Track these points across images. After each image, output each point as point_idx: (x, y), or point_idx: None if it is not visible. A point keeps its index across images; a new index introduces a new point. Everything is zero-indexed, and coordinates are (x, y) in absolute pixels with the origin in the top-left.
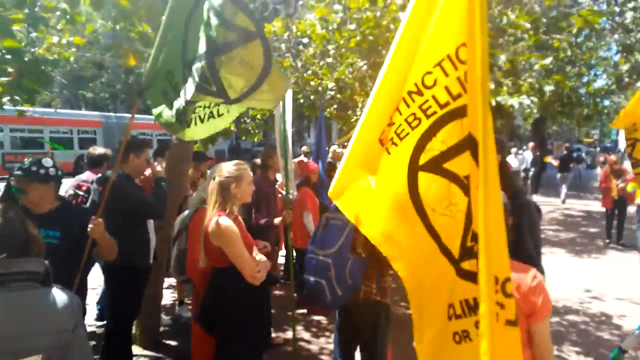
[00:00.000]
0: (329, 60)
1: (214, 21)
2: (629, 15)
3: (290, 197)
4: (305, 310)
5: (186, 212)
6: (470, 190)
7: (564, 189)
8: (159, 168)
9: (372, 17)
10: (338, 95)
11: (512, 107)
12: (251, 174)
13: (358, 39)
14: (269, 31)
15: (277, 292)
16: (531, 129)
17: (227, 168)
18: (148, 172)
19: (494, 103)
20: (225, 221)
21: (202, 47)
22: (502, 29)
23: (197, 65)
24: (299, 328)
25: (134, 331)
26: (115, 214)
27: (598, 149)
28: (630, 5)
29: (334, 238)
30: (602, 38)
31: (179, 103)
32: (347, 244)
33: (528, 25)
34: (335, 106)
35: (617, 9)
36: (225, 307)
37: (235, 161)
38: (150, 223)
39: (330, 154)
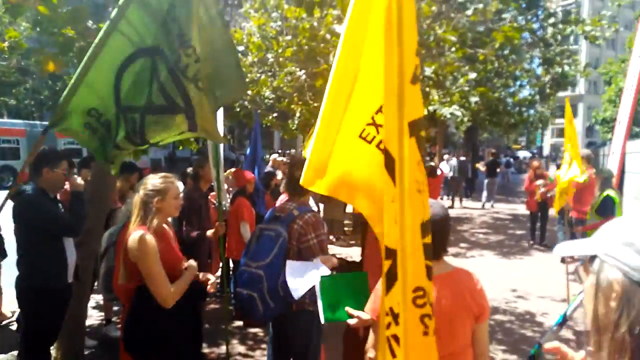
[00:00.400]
0: (266, 68)
1: (155, 83)
2: (549, 30)
3: (224, 208)
4: (241, 323)
5: (114, 227)
6: (385, 205)
7: (484, 194)
8: (79, 181)
9: (309, 27)
10: (279, 104)
11: (444, 116)
12: (179, 187)
13: (295, 49)
14: None
15: (213, 306)
16: (463, 137)
17: (152, 181)
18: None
19: (425, 112)
20: (143, 237)
21: (139, 101)
22: (428, 43)
23: (132, 116)
24: (235, 342)
25: (54, 354)
26: (27, 231)
27: (531, 154)
28: (550, 21)
29: (266, 249)
30: (521, 52)
31: (108, 140)
32: (280, 255)
33: (454, 39)
34: (275, 114)
35: (536, 25)
36: (146, 327)
37: (162, 174)
38: (70, 239)
39: (270, 162)
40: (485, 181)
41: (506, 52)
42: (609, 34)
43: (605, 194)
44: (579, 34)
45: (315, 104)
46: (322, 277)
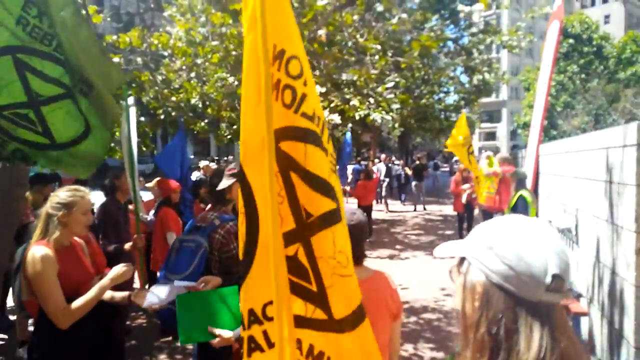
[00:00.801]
0: (192, 74)
1: (30, 74)
2: (470, 40)
3: (148, 219)
4: (170, 338)
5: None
6: (239, 218)
7: (402, 197)
8: None
9: (236, 33)
10: (209, 111)
11: (375, 121)
12: (89, 201)
13: (222, 55)
14: (124, 42)
15: (140, 321)
16: (397, 142)
17: (61, 194)
18: None
19: (357, 117)
20: (39, 252)
21: (19, 97)
22: (348, 51)
23: (20, 111)
24: (163, 356)
25: None
26: None
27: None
28: (471, 31)
29: (186, 261)
30: (438, 61)
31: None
32: (200, 267)
33: (379, 47)
34: (206, 120)
35: (454, 35)
36: (51, 346)
37: (74, 187)
38: None
39: (202, 170)
40: (413, 184)
41: (431, 60)
42: (525, 43)
43: (519, 194)
44: (497, 43)
45: None
46: (178, 295)
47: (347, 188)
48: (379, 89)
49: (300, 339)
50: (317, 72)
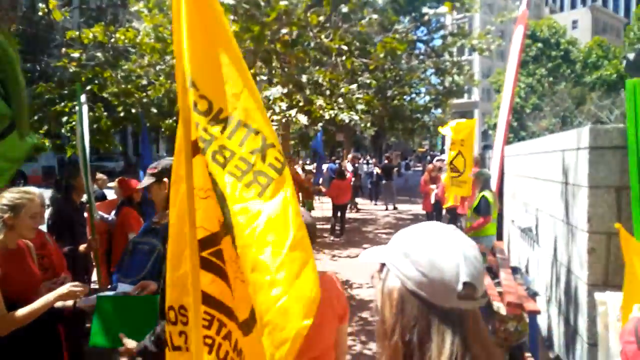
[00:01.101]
0: (159, 70)
1: None
2: (440, 42)
3: (109, 219)
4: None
5: None
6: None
7: (374, 196)
8: None
9: None
10: (175, 108)
11: (343, 121)
12: (39, 204)
13: None
14: (87, 37)
15: None
16: (370, 142)
17: (8, 195)
18: None
19: (327, 117)
20: None
21: None
22: (310, 51)
23: None
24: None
25: None
26: None
27: (428, 157)
28: (441, 33)
29: (140, 264)
30: (408, 62)
31: None
32: (154, 270)
33: (345, 48)
34: (174, 118)
35: (425, 37)
36: None
37: (24, 188)
38: None
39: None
40: (383, 183)
41: (401, 62)
42: (494, 46)
43: (481, 195)
44: (468, 46)
45: None
46: (98, 296)
47: (322, 188)
48: (343, 90)
49: (231, 330)
50: (280, 72)
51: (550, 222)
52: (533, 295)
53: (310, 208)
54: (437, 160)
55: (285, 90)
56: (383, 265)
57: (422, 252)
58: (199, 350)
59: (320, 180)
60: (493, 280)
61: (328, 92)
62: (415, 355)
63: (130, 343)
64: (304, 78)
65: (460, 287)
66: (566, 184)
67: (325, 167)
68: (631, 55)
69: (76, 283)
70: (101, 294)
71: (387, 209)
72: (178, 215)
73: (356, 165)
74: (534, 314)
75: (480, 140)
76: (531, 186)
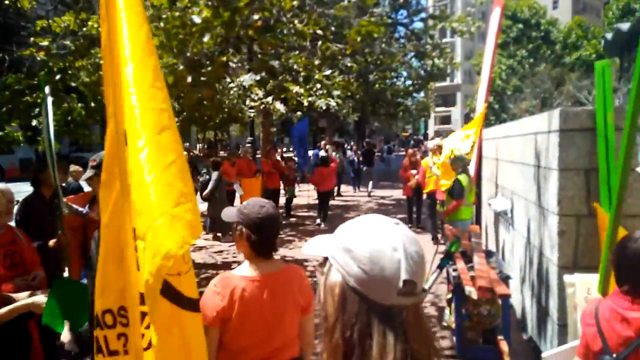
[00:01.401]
0: None
1: None
2: (419, 25)
3: (83, 212)
4: None
5: None
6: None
7: (370, 183)
8: None
9: (178, 16)
10: None
11: (320, 107)
12: (5, 201)
13: (161, 40)
14: (59, 26)
15: None
16: (353, 127)
17: None
18: None
19: (306, 103)
20: None
21: None
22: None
23: None
24: None
25: None
26: None
27: (412, 141)
28: (421, 15)
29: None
30: (374, 45)
31: None
32: None
33: (321, 33)
34: None
35: (405, 20)
36: None
37: None
38: None
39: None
40: (364, 169)
41: (379, 45)
42: (474, 28)
43: (456, 177)
44: (448, 29)
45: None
46: (54, 279)
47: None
48: (317, 76)
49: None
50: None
51: (524, 205)
52: (505, 278)
53: (292, 195)
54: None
55: (258, 77)
56: (326, 258)
57: (363, 248)
58: (138, 350)
59: (306, 167)
60: (467, 265)
61: (302, 79)
62: (355, 353)
63: (65, 332)
64: (277, 64)
65: (400, 284)
66: (538, 167)
67: (310, 153)
68: (609, 35)
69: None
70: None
71: (369, 195)
72: (112, 216)
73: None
74: (505, 297)
75: (462, 123)
76: (507, 169)
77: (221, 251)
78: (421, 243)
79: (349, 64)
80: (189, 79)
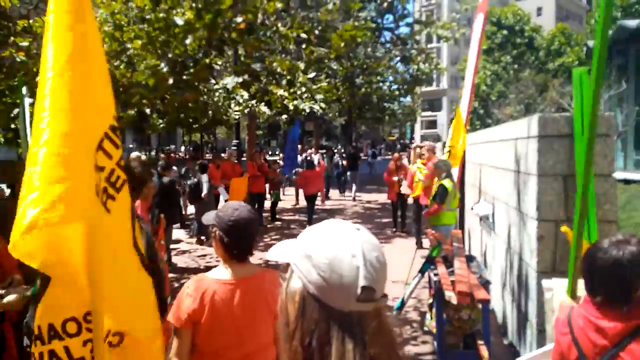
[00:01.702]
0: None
1: None
2: (405, 30)
3: None
4: None
5: None
6: None
7: (354, 187)
8: None
9: (162, 18)
10: (133, 100)
11: (304, 110)
12: None
13: (143, 41)
14: (40, 26)
15: None
16: (339, 131)
17: None
18: None
19: (291, 107)
20: None
21: None
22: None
23: None
24: None
25: None
26: None
27: (398, 145)
28: (407, 21)
29: None
30: (358, 48)
31: None
32: None
33: (305, 36)
34: (136, 109)
35: (391, 25)
36: None
37: None
38: None
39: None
40: (349, 174)
41: (368, 49)
42: (458, 34)
43: (440, 182)
44: (434, 35)
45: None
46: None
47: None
48: (300, 79)
49: None
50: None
51: (505, 210)
52: (485, 283)
53: (277, 199)
54: (415, 147)
55: (241, 80)
56: (289, 263)
57: (322, 255)
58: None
59: (295, 170)
60: (448, 270)
61: (285, 82)
62: None
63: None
64: (259, 67)
65: (359, 291)
66: (518, 172)
67: (300, 158)
68: (591, 43)
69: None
70: None
71: (354, 199)
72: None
73: (308, 158)
74: (484, 302)
75: (447, 128)
76: (489, 174)
77: (205, 255)
78: (406, 248)
79: (334, 67)
80: (171, 81)
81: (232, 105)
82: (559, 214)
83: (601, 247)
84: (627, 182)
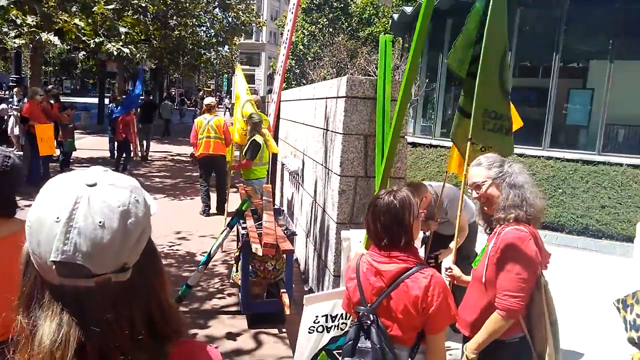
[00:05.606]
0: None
1: None
2: None
3: None
4: None
5: None
6: None
7: (145, 143)
8: None
9: None
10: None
11: (111, 52)
12: None
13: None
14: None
15: None
16: (149, 77)
17: None
18: None
19: (93, 45)
20: None
21: None
22: None
23: None
24: None
25: None
26: None
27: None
28: None
29: None
30: None
31: None
32: None
33: None
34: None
35: None
36: None
37: None
38: None
39: None
40: (139, 126)
41: None
42: None
43: (252, 138)
44: None
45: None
46: None
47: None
48: (95, 8)
49: None
50: None
51: (313, 166)
52: (291, 235)
53: (71, 148)
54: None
55: None
56: None
57: (31, 214)
58: None
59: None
60: (256, 223)
61: (77, 8)
62: (27, 336)
63: None
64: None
65: (53, 266)
66: (327, 130)
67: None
68: (396, 16)
69: None
70: None
71: (144, 159)
72: None
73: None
74: (289, 253)
75: (265, 84)
76: (300, 131)
77: None
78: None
79: (144, 4)
80: None
81: (9, 31)
82: (359, 170)
83: (379, 195)
84: (414, 145)
